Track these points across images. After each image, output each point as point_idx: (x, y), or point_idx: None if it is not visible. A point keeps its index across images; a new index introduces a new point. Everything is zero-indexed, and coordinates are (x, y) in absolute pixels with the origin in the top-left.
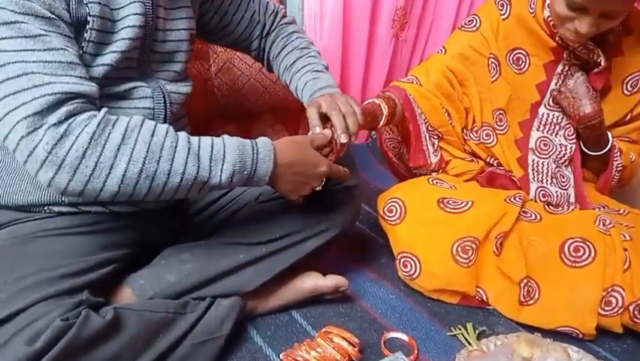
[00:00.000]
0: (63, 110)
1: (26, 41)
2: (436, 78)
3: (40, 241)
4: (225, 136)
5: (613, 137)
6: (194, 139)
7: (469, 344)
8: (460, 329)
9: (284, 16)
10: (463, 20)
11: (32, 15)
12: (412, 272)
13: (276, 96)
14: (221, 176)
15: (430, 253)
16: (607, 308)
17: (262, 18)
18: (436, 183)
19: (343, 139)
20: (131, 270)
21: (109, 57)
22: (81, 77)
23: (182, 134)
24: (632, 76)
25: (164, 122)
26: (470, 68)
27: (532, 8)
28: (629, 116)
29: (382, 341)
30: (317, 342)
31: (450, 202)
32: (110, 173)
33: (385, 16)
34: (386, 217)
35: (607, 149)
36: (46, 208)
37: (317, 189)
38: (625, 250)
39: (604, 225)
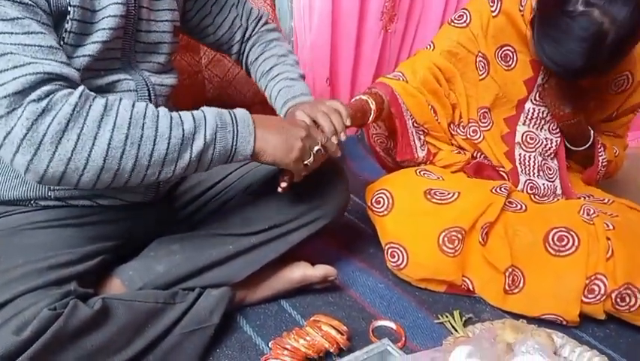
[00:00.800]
0: (44, 88)
1: (3, 24)
2: (423, 75)
3: (28, 233)
4: (203, 108)
5: (601, 132)
6: (176, 112)
7: (456, 330)
8: (447, 317)
9: (267, 22)
10: (452, 14)
11: (9, 0)
12: (399, 262)
13: None
14: (205, 135)
15: (416, 243)
16: (590, 296)
17: (244, 23)
18: (424, 174)
19: (334, 140)
20: (119, 261)
21: (90, 47)
22: (62, 62)
23: (161, 108)
24: (619, 77)
25: None
26: (457, 65)
27: (521, 7)
28: (615, 114)
29: (370, 329)
30: (306, 331)
31: (437, 193)
32: (93, 144)
33: (374, 8)
34: (374, 208)
35: (588, 145)
36: (32, 203)
37: (309, 160)
38: (608, 238)
39: (588, 214)
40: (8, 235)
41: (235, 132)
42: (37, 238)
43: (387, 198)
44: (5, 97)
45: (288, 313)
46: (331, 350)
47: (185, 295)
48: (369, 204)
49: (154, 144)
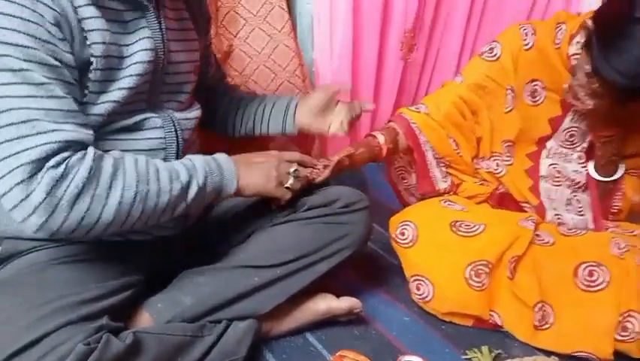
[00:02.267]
0: (61, 156)
1: (30, 88)
2: (447, 109)
3: (59, 267)
4: (188, 155)
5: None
6: (167, 162)
7: None
8: (475, 352)
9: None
10: (471, 43)
11: (37, 62)
12: (425, 295)
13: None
14: (198, 182)
15: (442, 276)
16: (623, 333)
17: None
18: (448, 205)
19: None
20: (148, 294)
21: (116, 94)
22: (80, 125)
23: (158, 160)
24: None
25: (177, 150)
26: (485, 98)
27: (558, 39)
28: None
29: None
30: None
31: (462, 225)
32: (106, 203)
33: (394, 39)
34: (398, 240)
35: (616, 176)
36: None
37: (289, 183)
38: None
39: (619, 248)
40: (40, 270)
41: (222, 176)
42: (67, 273)
43: (412, 229)
44: (28, 163)
45: (314, 346)
46: None
47: (212, 328)
48: (394, 235)
49: (158, 197)
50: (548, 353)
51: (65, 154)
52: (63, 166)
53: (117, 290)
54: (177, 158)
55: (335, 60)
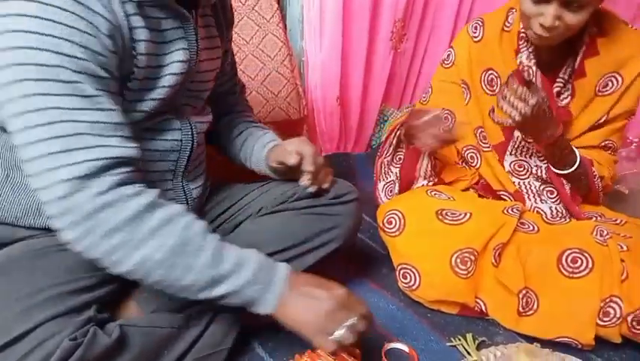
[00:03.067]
0: (108, 178)
1: (80, 101)
2: None
3: (52, 255)
4: (254, 251)
5: (594, 144)
6: (226, 244)
7: (469, 354)
8: (459, 340)
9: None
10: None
11: (88, 74)
12: (411, 283)
13: (278, 109)
14: (233, 283)
15: (429, 264)
16: (605, 319)
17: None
18: (434, 194)
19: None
20: (135, 284)
21: (148, 104)
22: (126, 138)
23: (214, 236)
24: (607, 76)
25: (190, 152)
26: (447, 98)
27: (508, 23)
28: (604, 118)
29: (383, 352)
30: (318, 353)
31: (448, 214)
32: (131, 253)
33: (384, 28)
34: (385, 229)
35: (575, 166)
36: None
37: (338, 334)
38: (622, 260)
39: (601, 235)
40: (33, 256)
41: (264, 291)
42: (60, 262)
43: (399, 218)
44: (70, 180)
45: None
46: None
47: (198, 319)
48: (381, 224)
49: (184, 273)
50: (531, 340)
51: (112, 177)
52: (110, 195)
53: (106, 281)
54: (189, 159)
55: (324, 50)
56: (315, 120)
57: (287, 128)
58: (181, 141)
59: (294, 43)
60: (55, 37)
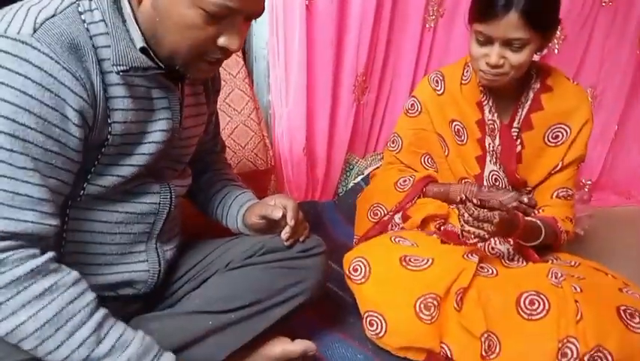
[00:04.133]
0: (2, 244)
1: (10, 169)
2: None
3: None
4: (139, 333)
5: (554, 191)
6: (109, 323)
7: None
8: None
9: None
10: (406, 103)
11: (34, 144)
12: (377, 331)
13: (245, 160)
14: None
15: (394, 311)
16: (563, 360)
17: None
18: (398, 240)
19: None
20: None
21: (125, 169)
22: (44, 214)
23: (100, 314)
24: (553, 128)
25: (168, 214)
26: (424, 147)
27: (465, 76)
28: (560, 165)
29: None
30: None
31: (411, 260)
32: (5, 319)
33: (347, 82)
34: (352, 276)
35: (541, 239)
36: None
37: None
38: (576, 301)
39: (555, 277)
40: None
41: None
42: None
43: (364, 265)
44: None
45: None
46: None
47: None
48: (347, 272)
49: (56, 347)
50: None
51: (9, 244)
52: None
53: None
54: (166, 221)
55: (290, 103)
56: (283, 170)
57: (255, 180)
58: (159, 204)
59: (260, 97)
60: (15, 105)
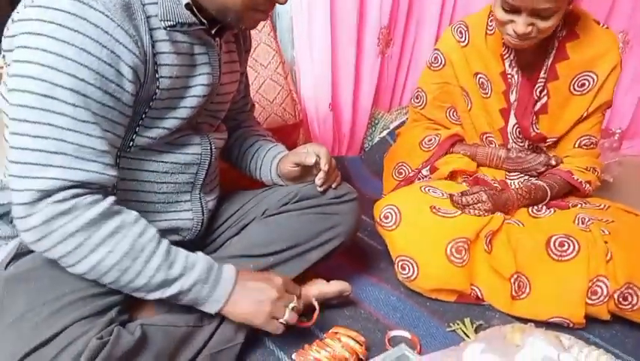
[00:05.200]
0: (71, 191)
1: (74, 123)
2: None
3: None
4: (200, 253)
5: (577, 139)
6: (174, 250)
7: (468, 337)
8: (458, 324)
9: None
10: (429, 56)
11: (93, 99)
12: (409, 274)
13: (274, 115)
14: (184, 284)
15: (425, 255)
16: (593, 297)
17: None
18: (428, 190)
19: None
20: None
21: (170, 122)
22: (106, 165)
23: (165, 243)
24: (579, 76)
25: (209, 166)
26: (448, 101)
27: (490, 26)
28: (585, 113)
29: (386, 339)
30: (326, 342)
31: (441, 209)
32: (86, 256)
33: (371, 35)
34: (382, 223)
35: (547, 200)
36: None
37: (285, 318)
38: (605, 242)
39: (582, 223)
40: (54, 264)
41: (212, 291)
42: None
43: (395, 213)
44: (37, 191)
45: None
46: (351, 360)
47: (212, 317)
48: (378, 219)
49: (136, 276)
50: (525, 322)
51: (78, 191)
52: (70, 203)
53: None
54: (207, 173)
55: (315, 59)
56: (309, 127)
57: (284, 134)
58: (200, 154)
59: (285, 53)
60: (76, 62)
